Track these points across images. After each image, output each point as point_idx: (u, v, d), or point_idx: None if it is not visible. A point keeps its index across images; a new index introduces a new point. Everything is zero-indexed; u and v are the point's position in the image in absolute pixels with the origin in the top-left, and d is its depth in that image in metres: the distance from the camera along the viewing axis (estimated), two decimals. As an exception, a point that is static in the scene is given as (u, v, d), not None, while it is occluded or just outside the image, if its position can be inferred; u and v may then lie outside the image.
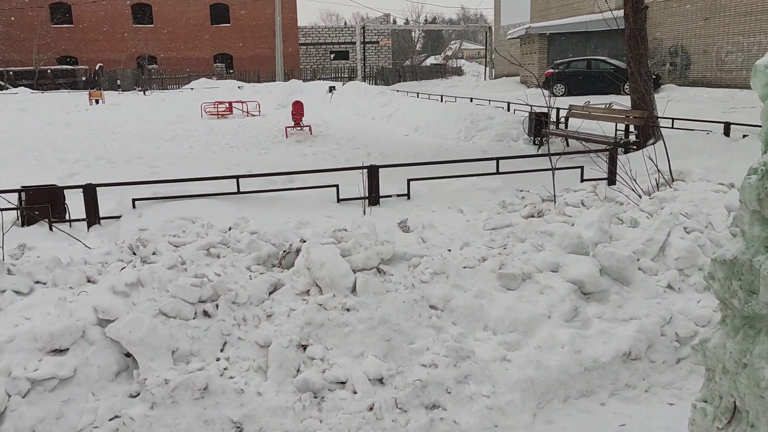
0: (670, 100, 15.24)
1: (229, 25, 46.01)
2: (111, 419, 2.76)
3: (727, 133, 8.84)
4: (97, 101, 24.72)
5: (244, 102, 20.60)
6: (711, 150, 7.68)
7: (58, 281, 3.59)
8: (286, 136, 13.96)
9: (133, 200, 5.90)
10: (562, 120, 12.52)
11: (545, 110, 12.98)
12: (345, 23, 59.88)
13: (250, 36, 46.16)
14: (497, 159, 6.15)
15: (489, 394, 3.00)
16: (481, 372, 3.09)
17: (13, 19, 41.04)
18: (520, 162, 6.62)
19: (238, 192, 6.08)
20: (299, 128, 14.39)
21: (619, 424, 2.99)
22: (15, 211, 5.65)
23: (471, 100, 19.42)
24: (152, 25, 44.53)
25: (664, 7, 25.80)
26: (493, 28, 47.38)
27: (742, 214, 2.42)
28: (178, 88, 36.58)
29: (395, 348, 3.31)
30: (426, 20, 67.91)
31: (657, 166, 4.63)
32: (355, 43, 43.37)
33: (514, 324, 3.46)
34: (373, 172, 5.94)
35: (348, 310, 3.50)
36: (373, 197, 5.88)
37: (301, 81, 34.48)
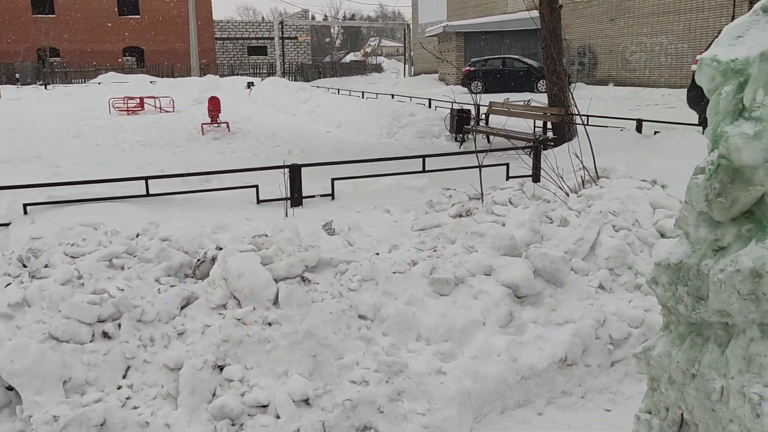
0: (580, 98, 15.69)
1: (138, 16, 43.92)
2: (-10, 466, 2.36)
3: (639, 129, 9.11)
4: (-8, 96, 22.91)
5: (156, 97, 19.61)
6: (626, 146, 7.86)
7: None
8: (203, 134, 13.34)
9: (25, 205, 5.31)
10: (483, 117, 12.61)
11: (467, 107, 13.07)
12: (263, 18, 58.63)
13: (163, 29, 44.25)
14: (423, 157, 5.99)
15: (424, 412, 2.80)
16: (415, 387, 2.88)
17: None
18: (445, 159, 6.50)
19: (148, 194, 5.61)
20: (216, 125, 13.80)
21: (558, 435, 2.87)
22: None
23: (392, 97, 19.34)
24: (54, 15, 41.84)
25: (572, 9, 26.71)
26: (411, 25, 47.71)
27: (686, 216, 2.33)
28: (84, 82, 34.55)
29: (322, 364, 3.05)
30: (345, 17, 67.60)
31: (582, 163, 4.60)
32: (273, 38, 42.46)
33: (449, 332, 3.28)
34: (295, 171, 5.64)
35: (270, 324, 3.21)
36: (296, 198, 5.58)
37: (217, 76, 33.38)
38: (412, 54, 47.31)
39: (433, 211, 5.29)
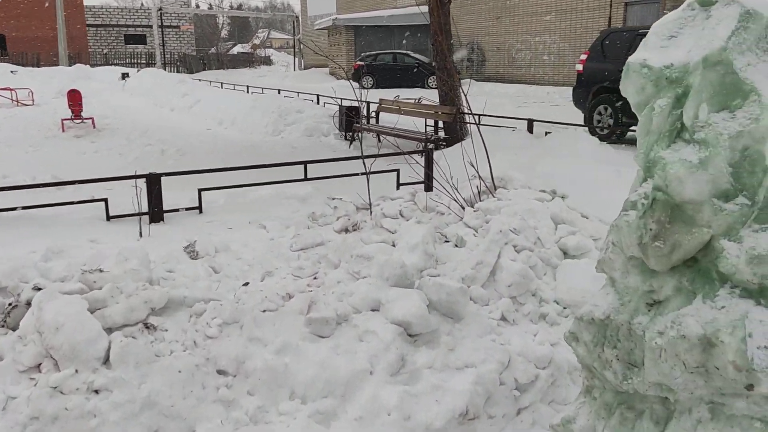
0: (468, 95, 15.68)
1: (-3, -1, 39.75)
2: None
3: (530, 129, 8.99)
4: None
5: (12, 89, 17.54)
6: (518, 147, 7.64)
7: None
8: (63, 130, 11.93)
9: None
10: (373, 114, 12.15)
11: (356, 104, 12.55)
12: (141, 4, 55.03)
13: (27, 13, 40.29)
14: (305, 163, 5.37)
15: (296, 504, 2.21)
16: (285, 470, 2.29)
17: None
18: (331, 164, 5.90)
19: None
20: (79, 120, 12.39)
21: None
22: None
23: (279, 92, 18.48)
24: None
25: (460, 5, 26.96)
26: (300, 18, 46.67)
27: (612, 259, 1.86)
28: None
29: (165, 444, 2.38)
30: (231, 6, 65.17)
31: (478, 172, 4.19)
32: (152, 26, 39.82)
33: (329, 386, 2.70)
34: (153, 181, 4.83)
35: (96, 392, 2.49)
36: (155, 212, 4.78)
37: (88, 66, 30.77)
38: (302, 47, 46.30)
39: (316, 225, 4.70)
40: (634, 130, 11.10)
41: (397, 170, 5.55)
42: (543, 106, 18.53)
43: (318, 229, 4.59)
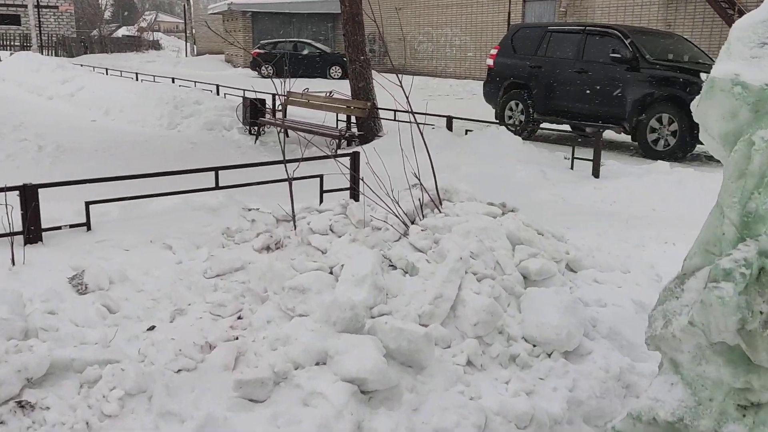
0: (381, 88, 15.27)
1: None
2: None
3: (450, 127, 8.67)
4: None
5: None
6: (440, 146, 7.30)
7: None
8: None
9: None
10: (280, 108, 11.42)
11: (261, 96, 11.75)
12: (12, -20, 50.06)
13: None
14: (216, 169, 4.67)
15: None
16: None
17: None
18: (243, 164, 5.22)
19: None
20: (-65, 111, 10.75)
21: None
22: None
23: (173, 81, 17.18)
24: None
25: (362, -6, 26.49)
26: (192, 1, 44.38)
27: (677, 338, 1.44)
28: None
29: None
30: (116, -14, 60.91)
31: (420, 180, 3.72)
32: (27, 6, 36.29)
33: (270, 472, 2.13)
34: (30, 194, 3.98)
35: None
36: (32, 231, 3.94)
37: (-51, 47, 27.50)
38: (194, 32, 44.06)
39: (232, 243, 4.04)
40: (544, 127, 11.00)
41: (321, 175, 4.98)
42: (448, 100, 18.46)
43: (235, 248, 3.95)
